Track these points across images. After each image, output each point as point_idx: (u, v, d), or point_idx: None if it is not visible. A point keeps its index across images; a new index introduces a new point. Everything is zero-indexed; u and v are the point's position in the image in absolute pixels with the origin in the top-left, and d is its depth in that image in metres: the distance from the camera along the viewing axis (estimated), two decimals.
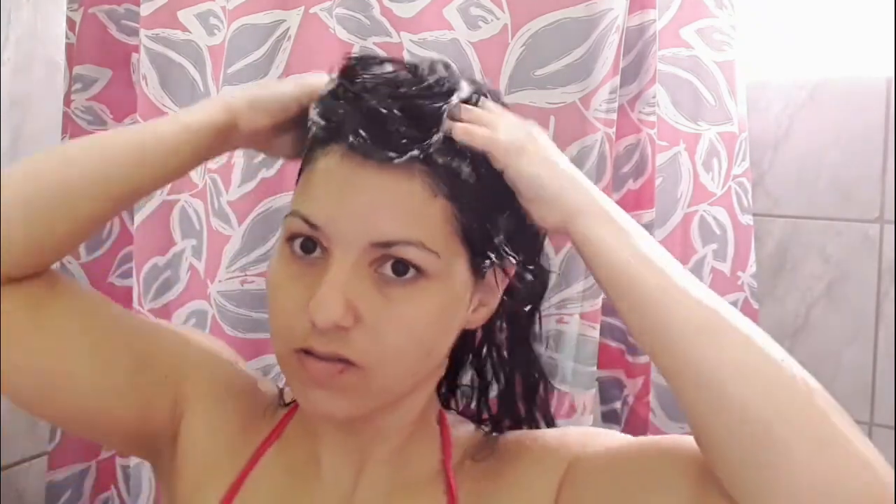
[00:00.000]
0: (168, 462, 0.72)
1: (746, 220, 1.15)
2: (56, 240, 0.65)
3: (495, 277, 0.67)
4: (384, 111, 0.60)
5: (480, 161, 0.63)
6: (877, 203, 1.23)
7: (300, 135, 0.69)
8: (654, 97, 1.00)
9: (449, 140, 0.62)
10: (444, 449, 0.69)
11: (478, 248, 0.64)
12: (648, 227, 1.01)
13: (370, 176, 0.60)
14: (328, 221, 0.60)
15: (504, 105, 0.70)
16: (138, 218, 1.05)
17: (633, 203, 1.01)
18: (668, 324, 0.59)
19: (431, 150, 0.60)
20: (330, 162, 0.62)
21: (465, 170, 0.62)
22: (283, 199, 0.99)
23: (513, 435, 0.71)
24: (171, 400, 0.71)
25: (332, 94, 0.65)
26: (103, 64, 1.17)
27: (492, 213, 0.64)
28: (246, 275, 0.99)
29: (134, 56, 1.14)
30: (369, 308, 0.60)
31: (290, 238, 0.63)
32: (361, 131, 0.60)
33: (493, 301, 0.67)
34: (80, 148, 0.67)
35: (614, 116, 0.94)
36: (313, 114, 0.65)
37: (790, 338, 1.29)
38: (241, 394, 0.74)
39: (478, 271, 0.65)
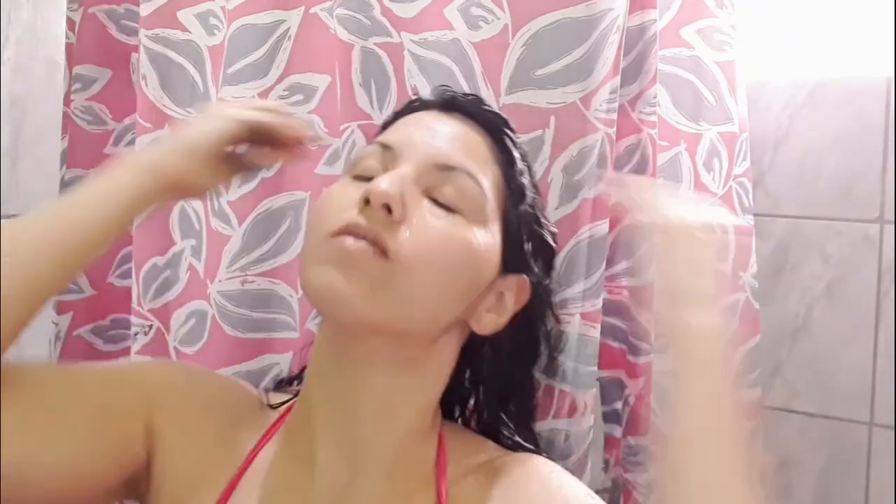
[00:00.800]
0: (145, 493, 0.71)
1: (747, 220, 1.15)
2: None
3: (513, 292, 0.70)
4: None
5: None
6: (877, 203, 1.23)
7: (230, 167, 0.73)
8: (654, 97, 1.00)
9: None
10: (439, 459, 0.69)
11: (512, 235, 0.70)
12: None
13: (449, 121, 0.72)
14: (403, 142, 0.68)
15: None
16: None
17: None
18: (681, 477, 0.59)
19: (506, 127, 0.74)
20: (411, 117, 0.73)
21: (523, 176, 0.74)
22: (283, 199, 0.99)
23: (524, 462, 0.70)
24: (142, 436, 0.70)
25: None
26: (103, 64, 1.17)
27: (530, 227, 0.73)
28: (246, 275, 0.99)
29: (133, 56, 1.14)
30: (418, 213, 0.64)
31: (355, 164, 0.69)
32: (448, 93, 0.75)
33: (504, 314, 0.69)
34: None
35: (615, 116, 0.94)
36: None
37: (790, 338, 1.29)
38: (215, 406, 0.73)
39: (503, 262, 0.69)
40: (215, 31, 1.04)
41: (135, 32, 1.11)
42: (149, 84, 1.05)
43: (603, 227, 0.93)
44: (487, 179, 0.69)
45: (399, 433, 0.68)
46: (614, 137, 0.94)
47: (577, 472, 0.94)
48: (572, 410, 0.92)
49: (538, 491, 0.65)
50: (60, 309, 1.17)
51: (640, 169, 1.01)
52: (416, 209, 0.64)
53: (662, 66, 1.04)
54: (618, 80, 0.94)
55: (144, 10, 1.05)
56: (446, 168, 0.66)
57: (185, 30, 1.04)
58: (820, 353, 1.27)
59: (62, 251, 0.64)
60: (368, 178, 0.66)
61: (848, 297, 1.25)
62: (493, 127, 0.75)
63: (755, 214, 1.18)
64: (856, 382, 1.25)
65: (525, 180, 0.75)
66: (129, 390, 0.71)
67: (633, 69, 0.99)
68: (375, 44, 0.95)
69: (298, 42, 0.98)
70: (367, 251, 0.61)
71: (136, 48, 1.09)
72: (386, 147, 0.67)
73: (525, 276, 0.71)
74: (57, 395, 0.67)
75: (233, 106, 0.69)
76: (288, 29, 0.99)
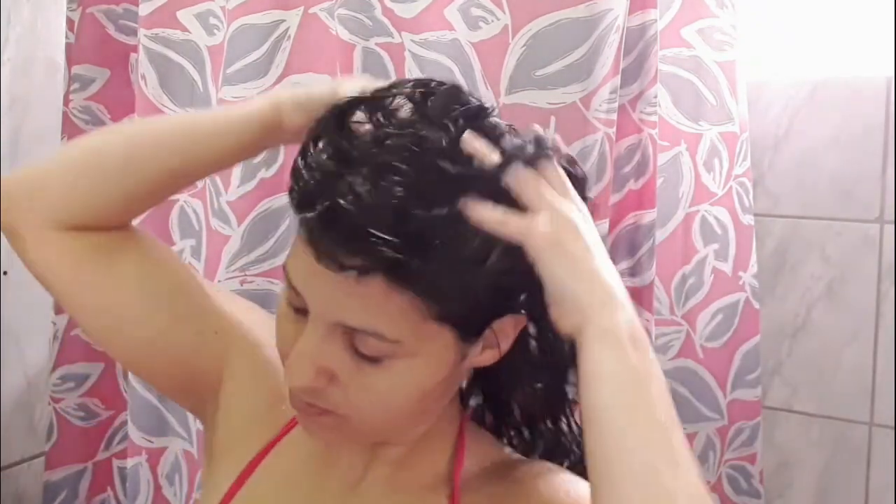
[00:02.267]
0: (211, 416, 0.75)
1: (747, 219, 1.15)
2: (121, 201, 0.70)
3: (504, 331, 0.61)
4: (350, 207, 0.52)
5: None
6: (877, 203, 1.23)
7: None
8: (655, 97, 1.00)
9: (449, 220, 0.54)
10: (456, 457, 0.68)
11: (465, 325, 0.58)
12: (650, 226, 1.00)
13: (331, 270, 0.55)
14: (303, 290, 0.58)
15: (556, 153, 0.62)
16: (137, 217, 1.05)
17: (634, 203, 1.01)
18: (609, 470, 0.54)
19: (403, 255, 0.53)
20: (303, 231, 0.57)
21: (450, 256, 0.55)
22: (283, 199, 0.99)
23: (542, 470, 0.68)
24: (216, 356, 0.74)
25: (314, 145, 0.57)
26: (101, 64, 1.17)
27: (486, 289, 0.57)
28: (246, 275, 0.99)
29: (132, 56, 1.14)
30: (343, 371, 0.58)
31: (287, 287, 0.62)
32: (317, 230, 0.54)
33: (504, 344, 0.62)
34: (141, 122, 0.74)
35: (615, 116, 0.93)
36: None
37: (790, 338, 1.29)
38: (276, 374, 0.73)
39: (471, 337, 0.60)
40: (215, 31, 1.03)
41: (133, 32, 1.11)
42: (148, 84, 1.05)
43: (602, 227, 0.93)
44: (399, 318, 0.56)
45: (412, 432, 0.68)
46: (614, 137, 0.93)
47: (575, 472, 0.94)
48: (571, 411, 0.92)
49: (552, 497, 0.65)
50: (58, 309, 1.17)
51: (641, 169, 1.01)
52: (341, 366, 0.58)
53: (663, 66, 1.04)
54: (618, 80, 0.93)
55: (144, 9, 1.04)
56: (349, 329, 0.57)
57: (184, 30, 1.04)
58: (820, 353, 1.27)
59: (185, 147, 0.70)
60: (298, 309, 0.60)
61: (848, 297, 1.25)
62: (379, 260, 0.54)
63: (755, 214, 1.18)
64: (856, 382, 1.25)
65: (445, 265, 0.55)
66: (226, 318, 0.75)
67: (634, 69, 0.99)
68: (377, 44, 0.94)
69: (298, 42, 0.98)
70: (313, 412, 0.60)
71: (134, 48, 1.09)
72: (293, 288, 0.59)
73: (507, 317, 0.61)
74: (170, 278, 0.73)
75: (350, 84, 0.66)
76: (287, 29, 0.98)
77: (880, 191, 1.22)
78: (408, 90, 0.59)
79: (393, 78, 0.94)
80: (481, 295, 0.57)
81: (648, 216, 1.01)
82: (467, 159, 0.55)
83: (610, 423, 0.54)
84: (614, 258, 1.00)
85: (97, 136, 0.75)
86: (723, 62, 1.11)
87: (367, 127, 0.57)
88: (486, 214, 0.54)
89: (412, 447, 0.68)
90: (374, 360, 0.58)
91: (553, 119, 0.92)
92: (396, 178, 0.53)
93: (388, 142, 0.54)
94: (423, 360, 0.58)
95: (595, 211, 0.91)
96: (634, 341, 0.56)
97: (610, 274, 0.58)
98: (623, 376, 0.55)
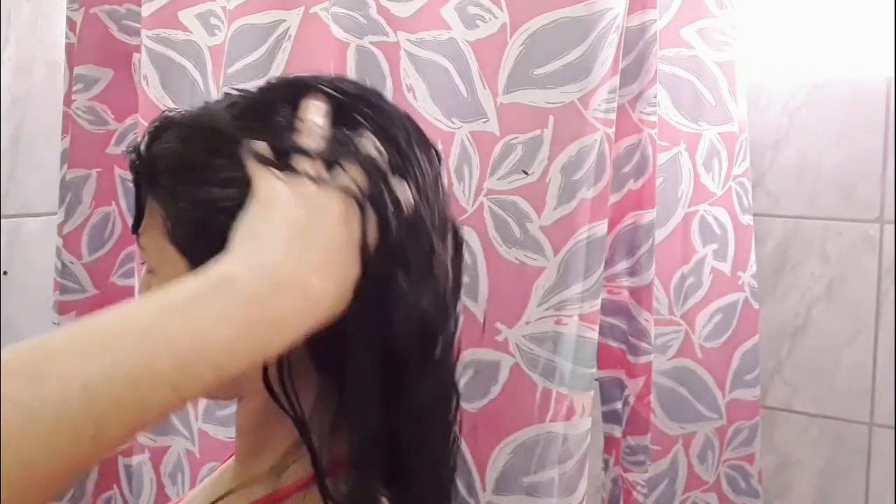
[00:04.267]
0: None
1: (747, 220, 1.15)
2: None
3: None
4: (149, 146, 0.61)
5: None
6: (877, 203, 1.23)
7: None
8: (654, 97, 1.00)
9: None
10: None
11: (194, 257, 0.57)
12: (649, 226, 1.01)
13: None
14: None
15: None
16: None
17: (634, 203, 1.01)
18: None
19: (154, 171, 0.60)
20: None
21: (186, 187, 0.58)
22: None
23: None
24: None
25: None
26: (104, 64, 1.17)
27: (216, 228, 0.55)
28: None
29: (135, 56, 1.14)
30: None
31: None
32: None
33: None
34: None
35: (613, 116, 0.93)
36: None
37: (790, 338, 1.29)
38: None
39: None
40: (216, 32, 1.04)
41: (136, 32, 1.12)
42: (150, 84, 1.06)
43: (602, 227, 0.93)
44: (149, 232, 0.61)
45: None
46: (613, 137, 0.93)
47: (575, 474, 0.94)
48: (570, 413, 0.92)
49: None
50: (62, 309, 1.18)
51: (641, 169, 1.01)
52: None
53: (662, 66, 1.04)
54: (617, 79, 0.93)
55: (146, 10, 1.05)
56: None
57: (186, 30, 1.04)
58: (820, 353, 1.27)
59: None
60: None
61: (848, 297, 1.25)
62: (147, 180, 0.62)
63: (755, 214, 1.18)
64: (856, 382, 1.25)
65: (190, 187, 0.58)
66: None
67: (633, 69, 0.99)
68: (371, 42, 0.95)
69: (298, 42, 0.98)
70: None
71: (137, 48, 1.10)
72: None
73: None
74: None
75: None
76: (288, 29, 0.99)
77: (880, 191, 1.22)
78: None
79: (388, 77, 0.94)
80: (212, 230, 0.55)
81: (648, 216, 1.01)
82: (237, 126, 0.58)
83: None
84: (614, 258, 1.01)
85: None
86: (722, 62, 1.11)
87: None
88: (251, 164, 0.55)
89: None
90: (150, 272, 0.62)
91: (552, 118, 0.92)
92: (176, 129, 0.61)
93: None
94: (158, 281, 0.60)
95: (595, 211, 0.92)
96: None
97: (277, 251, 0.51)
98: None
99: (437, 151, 0.63)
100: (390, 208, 0.54)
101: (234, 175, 0.55)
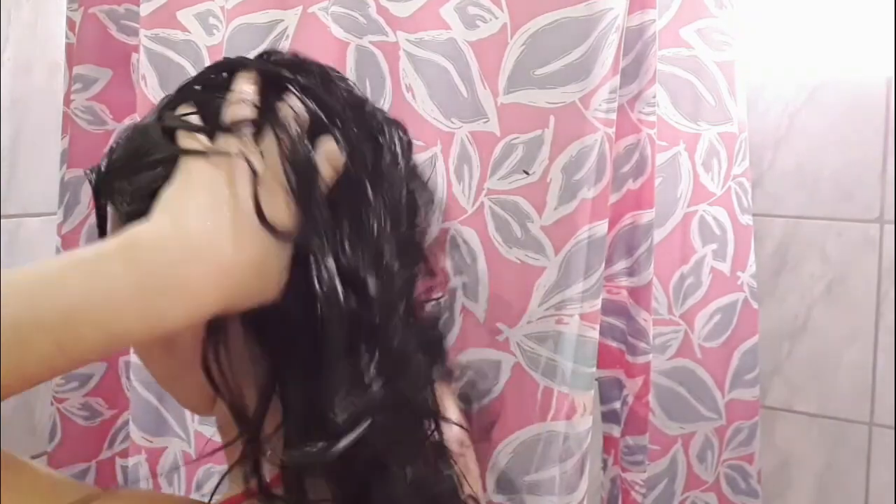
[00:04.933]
0: None
1: (746, 220, 1.15)
2: None
3: None
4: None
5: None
6: (877, 203, 1.23)
7: None
8: (654, 97, 1.00)
9: None
10: None
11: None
12: (648, 226, 1.01)
13: None
14: None
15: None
16: None
17: (633, 203, 1.01)
18: None
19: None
20: None
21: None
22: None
23: None
24: None
25: None
26: (103, 64, 1.17)
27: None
28: None
29: (134, 56, 1.14)
30: None
31: None
32: None
33: None
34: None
35: (614, 116, 0.93)
36: None
37: (790, 338, 1.29)
38: None
39: None
40: (214, 31, 1.04)
41: (135, 32, 1.11)
42: (148, 84, 1.05)
43: (602, 227, 0.93)
44: (113, 222, 0.60)
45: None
46: (614, 137, 0.93)
47: (575, 474, 0.94)
48: (571, 412, 0.92)
49: None
50: None
51: (640, 169, 1.01)
52: None
53: (661, 66, 1.03)
54: (617, 79, 0.93)
55: (144, 10, 1.05)
56: None
57: (184, 30, 1.04)
58: (820, 353, 1.28)
59: None
60: None
61: (848, 297, 1.25)
62: None
63: (755, 214, 1.18)
64: (856, 382, 1.25)
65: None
66: None
67: (633, 69, 0.99)
68: (371, 42, 0.94)
69: (297, 42, 0.98)
70: None
71: (136, 48, 1.09)
72: None
73: None
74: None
75: None
76: (286, 28, 0.99)
77: (880, 191, 1.22)
78: None
79: (388, 77, 0.94)
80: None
81: (647, 216, 1.01)
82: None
83: None
84: (613, 258, 1.01)
85: None
86: (721, 62, 1.11)
87: None
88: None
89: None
90: None
91: (552, 118, 0.92)
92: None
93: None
94: None
95: (596, 211, 0.92)
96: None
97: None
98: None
99: (401, 129, 0.61)
100: (304, 173, 0.51)
101: (162, 156, 0.54)
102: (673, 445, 1.13)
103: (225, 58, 0.62)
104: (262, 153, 0.51)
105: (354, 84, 0.63)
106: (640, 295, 1.01)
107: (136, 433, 1.10)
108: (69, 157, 1.18)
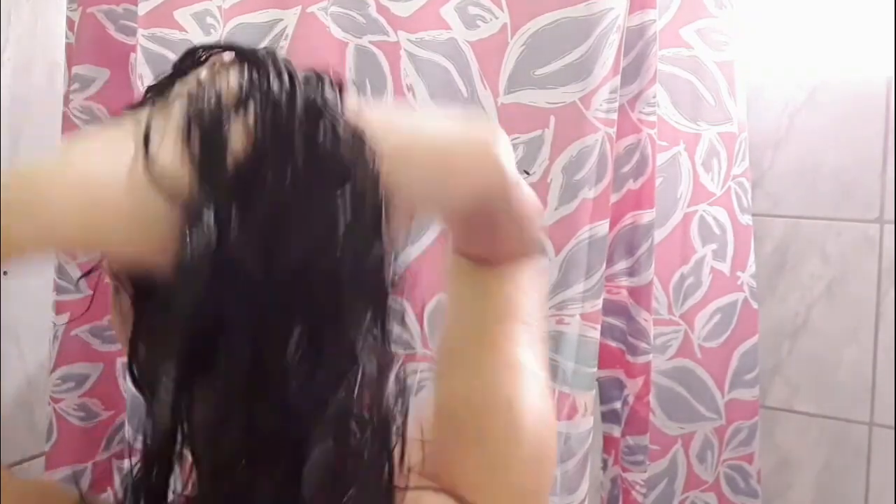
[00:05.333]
0: None
1: (746, 219, 1.15)
2: None
3: None
4: None
5: None
6: (877, 203, 1.23)
7: None
8: (654, 97, 1.00)
9: None
10: None
11: None
12: (648, 226, 1.00)
13: None
14: None
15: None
16: None
17: (633, 203, 1.01)
18: None
19: None
20: None
21: None
22: None
23: None
24: None
25: None
26: (101, 64, 1.16)
27: None
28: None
29: (132, 56, 1.13)
30: None
31: None
32: None
33: None
34: None
35: (615, 116, 0.93)
36: None
37: (790, 338, 1.29)
38: None
39: None
40: (212, 31, 1.03)
41: (133, 32, 1.11)
42: (145, 83, 1.05)
43: (603, 227, 0.93)
44: None
45: None
46: (614, 137, 0.93)
47: (576, 474, 0.94)
48: (572, 412, 0.92)
49: None
50: (58, 308, 1.17)
51: (640, 169, 1.01)
52: None
53: (662, 66, 1.03)
54: (618, 79, 0.93)
55: (142, 9, 1.04)
56: None
57: (181, 29, 1.04)
58: (820, 353, 1.27)
59: None
60: None
61: (848, 297, 1.25)
62: None
63: (755, 214, 1.18)
64: (856, 382, 1.25)
65: None
66: None
67: (633, 69, 0.99)
68: (371, 42, 0.94)
69: (296, 41, 0.98)
70: None
71: (134, 48, 1.09)
72: None
73: None
74: None
75: None
76: (285, 28, 0.98)
77: (880, 191, 1.22)
78: None
79: (388, 77, 0.94)
80: None
81: (647, 216, 1.01)
82: None
83: None
84: (613, 258, 1.01)
85: None
86: (721, 62, 1.11)
87: None
88: None
89: None
90: None
91: (553, 118, 0.92)
92: None
93: None
94: None
95: (596, 211, 0.92)
96: None
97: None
98: None
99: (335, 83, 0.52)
100: (206, 136, 0.45)
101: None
102: (673, 445, 1.13)
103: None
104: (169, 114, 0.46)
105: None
106: (640, 295, 1.01)
107: (132, 435, 1.09)
108: None
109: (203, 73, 0.49)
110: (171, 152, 0.44)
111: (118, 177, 0.44)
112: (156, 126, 0.45)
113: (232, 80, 0.48)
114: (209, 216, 0.43)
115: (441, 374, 0.60)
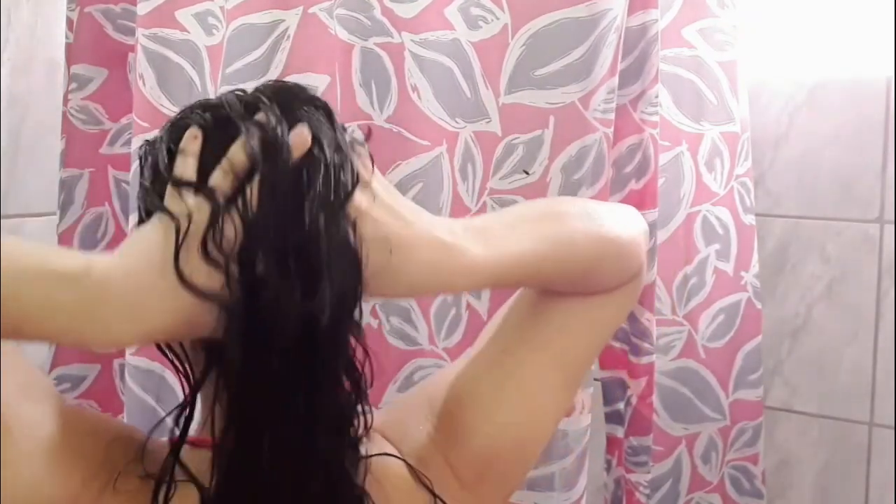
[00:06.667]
0: None
1: (749, 219, 1.14)
2: None
3: None
4: None
5: None
6: (877, 203, 1.23)
7: None
8: (656, 97, 1.00)
9: None
10: None
11: None
12: (652, 226, 1.00)
13: None
14: None
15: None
16: (133, 217, 1.04)
17: (636, 203, 1.01)
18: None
19: None
20: None
21: None
22: None
23: None
24: None
25: None
26: (99, 63, 1.16)
27: None
28: None
29: (130, 56, 1.13)
30: None
31: None
32: None
33: None
34: None
35: (612, 117, 0.94)
36: None
37: (790, 337, 1.29)
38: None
39: None
40: (214, 31, 1.03)
41: (131, 32, 1.11)
42: (146, 83, 1.04)
43: None
44: None
45: None
46: (612, 137, 0.94)
47: (574, 471, 0.94)
48: (570, 410, 0.92)
49: None
50: None
51: (643, 169, 1.01)
52: None
53: (664, 66, 1.03)
54: (615, 80, 0.93)
55: (142, 9, 1.04)
56: None
57: (183, 29, 1.03)
58: (820, 353, 1.28)
59: None
60: None
61: (848, 296, 1.25)
62: None
63: (756, 214, 1.18)
64: (856, 382, 1.25)
65: None
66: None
67: (635, 69, 0.99)
68: (376, 44, 0.94)
69: (297, 42, 0.98)
70: None
71: (132, 48, 1.08)
72: None
73: None
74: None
75: None
76: (286, 29, 0.98)
77: (880, 190, 1.22)
78: None
79: (393, 78, 0.94)
80: None
81: (650, 216, 1.01)
82: None
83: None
84: None
85: None
86: (724, 62, 1.11)
87: None
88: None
89: None
90: None
91: (552, 118, 0.92)
92: None
93: None
94: None
95: None
96: None
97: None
98: None
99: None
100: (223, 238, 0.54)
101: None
102: (677, 446, 1.13)
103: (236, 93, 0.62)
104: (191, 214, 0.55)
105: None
106: (643, 295, 1.00)
107: None
108: (66, 157, 1.17)
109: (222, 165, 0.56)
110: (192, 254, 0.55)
111: (157, 290, 0.55)
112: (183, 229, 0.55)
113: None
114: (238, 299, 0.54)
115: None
